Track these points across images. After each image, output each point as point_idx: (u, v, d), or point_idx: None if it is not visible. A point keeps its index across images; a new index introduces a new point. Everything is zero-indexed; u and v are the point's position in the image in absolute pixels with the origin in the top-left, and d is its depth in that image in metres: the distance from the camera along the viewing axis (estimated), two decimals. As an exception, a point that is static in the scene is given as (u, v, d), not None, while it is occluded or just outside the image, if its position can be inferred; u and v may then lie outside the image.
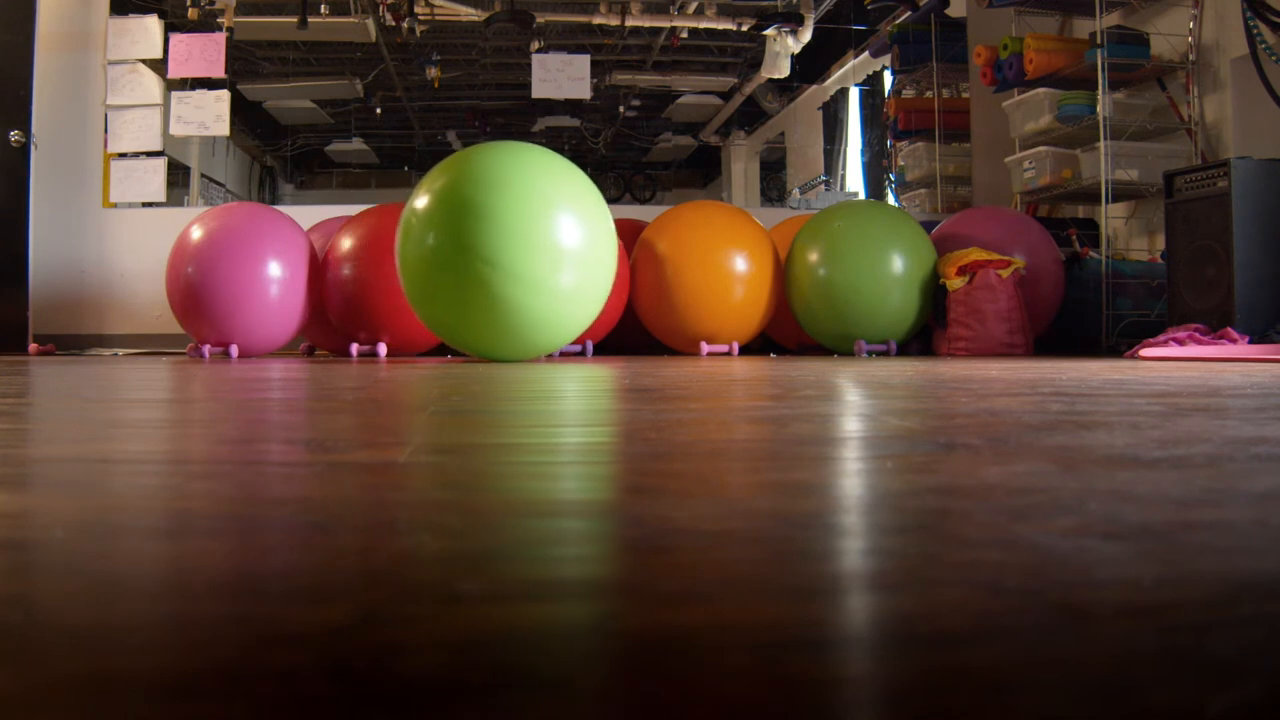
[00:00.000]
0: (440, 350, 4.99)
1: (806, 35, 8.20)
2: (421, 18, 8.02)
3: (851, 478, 0.82)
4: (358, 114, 11.51)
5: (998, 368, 2.91)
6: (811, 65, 9.35)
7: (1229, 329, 3.87)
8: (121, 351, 5.75)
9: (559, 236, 3.41)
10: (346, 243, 4.61)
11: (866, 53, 8.48)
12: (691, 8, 8.35)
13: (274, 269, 4.45)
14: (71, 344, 6.03)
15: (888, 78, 8.14)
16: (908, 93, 7.44)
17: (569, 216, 3.43)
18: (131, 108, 6.22)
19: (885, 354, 4.58)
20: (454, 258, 3.39)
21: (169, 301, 4.55)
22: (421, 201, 3.54)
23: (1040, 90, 5.37)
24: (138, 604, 0.44)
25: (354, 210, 4.97)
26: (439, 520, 0.63)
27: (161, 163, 6.26)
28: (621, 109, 11.28)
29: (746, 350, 5.07)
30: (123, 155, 6.22)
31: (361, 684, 0.33)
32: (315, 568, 0.51)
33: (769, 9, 8.35)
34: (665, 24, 8.58)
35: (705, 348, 4.79)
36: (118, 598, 0.45)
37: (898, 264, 4.50)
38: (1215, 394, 1.70)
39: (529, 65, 7.29)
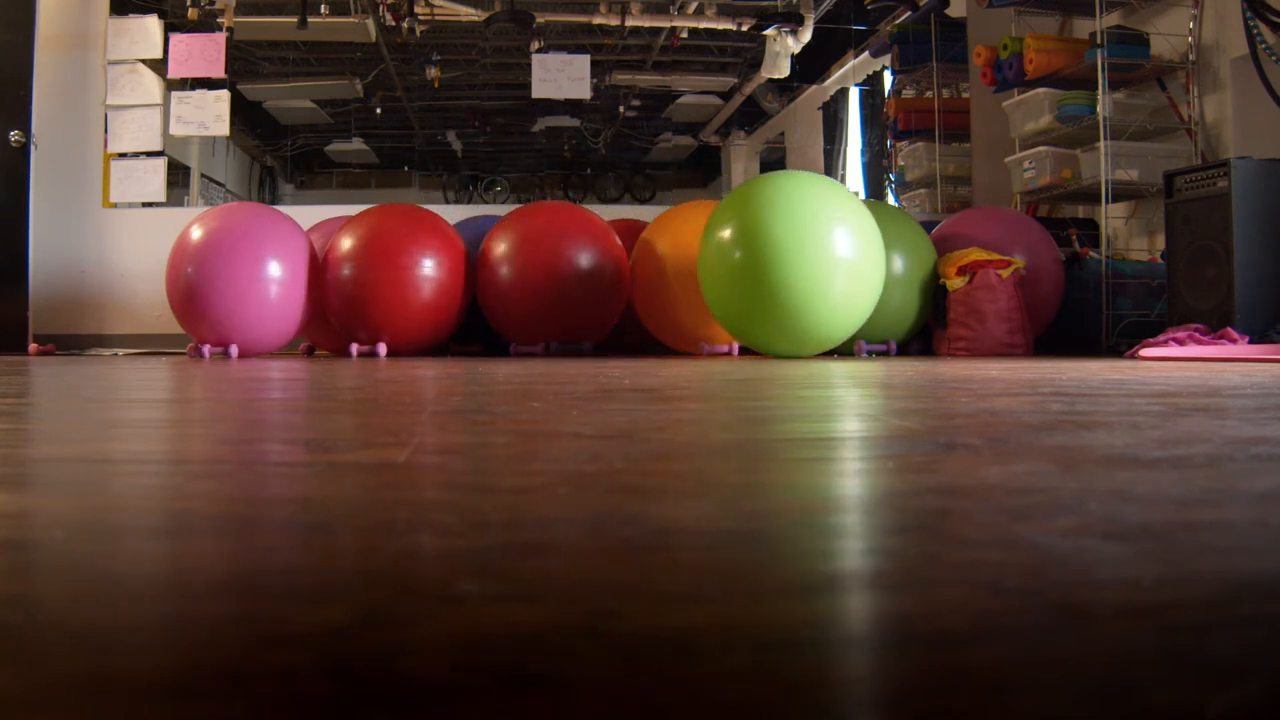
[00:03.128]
0: (441, 350, 5.00)
1: (806, 35, 8.20)
2: (421, 18, 8.02)
3: (851, 478, 0.82)
4: (358, 114, 11.51)
5: (998, 368, 2.91)
6: (811, 65, 9.34)
7: (1229, 329, 3.87)
8: (121, 351, 5.75)
9: (834, 250, 3.87)
10: (346, 243, 4.61)
11: (866, 53, 8.48)
12: (691, 8, 8.35)
13: (274, 269, 4.46)
14: (71, 344, 6.04)
15: (888, 78, 8.14)
16: (908, 93, 7.44)
17: (843, 232, 3.89)
18: (131, 108, 6.22)
19: (885, 354, 4.58)
20: (748, 271, 3.91)
21: (169, 301, 4.56)
22: (721, 223, 4.06)
23: (1040, 90, 5.37)
24: (138, 604, 0.44)
25: (354, 210, 4.97)
26: (439, 520, 0.63)
27: (161, 163, 6.27)
28: (621, 109, 11.28)
29: (746, 350, 5.07)
30: (123, 155, 6.22)
31: (361, 684, 0.33)
32: (315, 568, 0.51)
33: (769, 9, 8.35)
34: (665, 24, 8.58)
35: (705, 348, 4.79)
36: (118, 598, 0.45)
37: (898, 264, 4.50)
38: (1215, 394, 1.70)
39: (529, 65, 7.29)
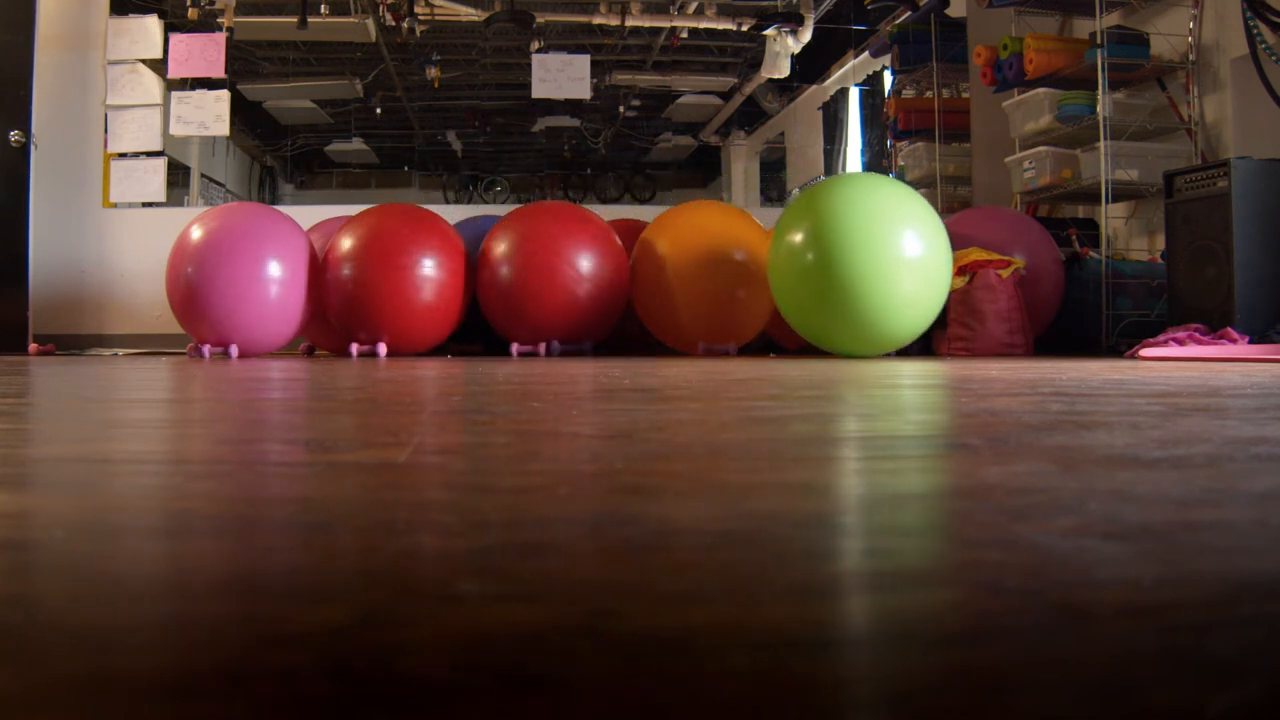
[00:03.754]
0: (440, 350, 5.00)
1: (806, 35, 8.20)
2: (421, 18, 8.02)
3: (851, 478, 0.82)
4: (358, 114, 11.51)
5: (998, 368, 2.91)
6: (811, 65, 9.34)
7: (1229, 329, 3.87)
8: (121, 351, 5.75)
9: (902, 251, 3.93)
10: (346, 243, 4.61)
11: (866, 53, 8.48)
12: (691, 8, 8.35)
13: (274, 269, 4.46)
14: (71, 344, 6.03)
15: (888, 78, 8.13)
16: (908, 93, 7.44)
17: (910, 234, 3.95)
18: (131, 108, 6.22)
19: (885, 354, 4.58)
20: (819, 272, 3.97)
21: (169, 301, 4.55)
22: (792, 226, 4.11)
23: (1040, 90, 5.37)
24: (138, 604, 0.44)
25: (354, 210, 4.97)
26: (439, 520, 0.63)
27: (161, 163, 6.26)
28: (621, 109, 11.28)
29: (746, 350, 5.07)
30: (123, 155, 6.22)
31: (361, 684, 0.33)
32: (315, 568, 0.51)
33: (769, 9, 8.35)
34: (665, 24, 8.58)
35: (704, 347, 4.79)
36: (118, 598, 0.45)
37: (898, 264, 4.50)
38: (1215, 394, 1.70)
39: (529, 65, 7.29)
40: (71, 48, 6.28)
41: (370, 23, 7.99)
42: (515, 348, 4.77)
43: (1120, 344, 4.49)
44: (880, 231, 3.92)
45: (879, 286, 3.89)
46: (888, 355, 4.51)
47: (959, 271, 4.46)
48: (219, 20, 6.97)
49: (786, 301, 4.23)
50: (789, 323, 4.32)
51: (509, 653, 0.36)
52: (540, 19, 8.07)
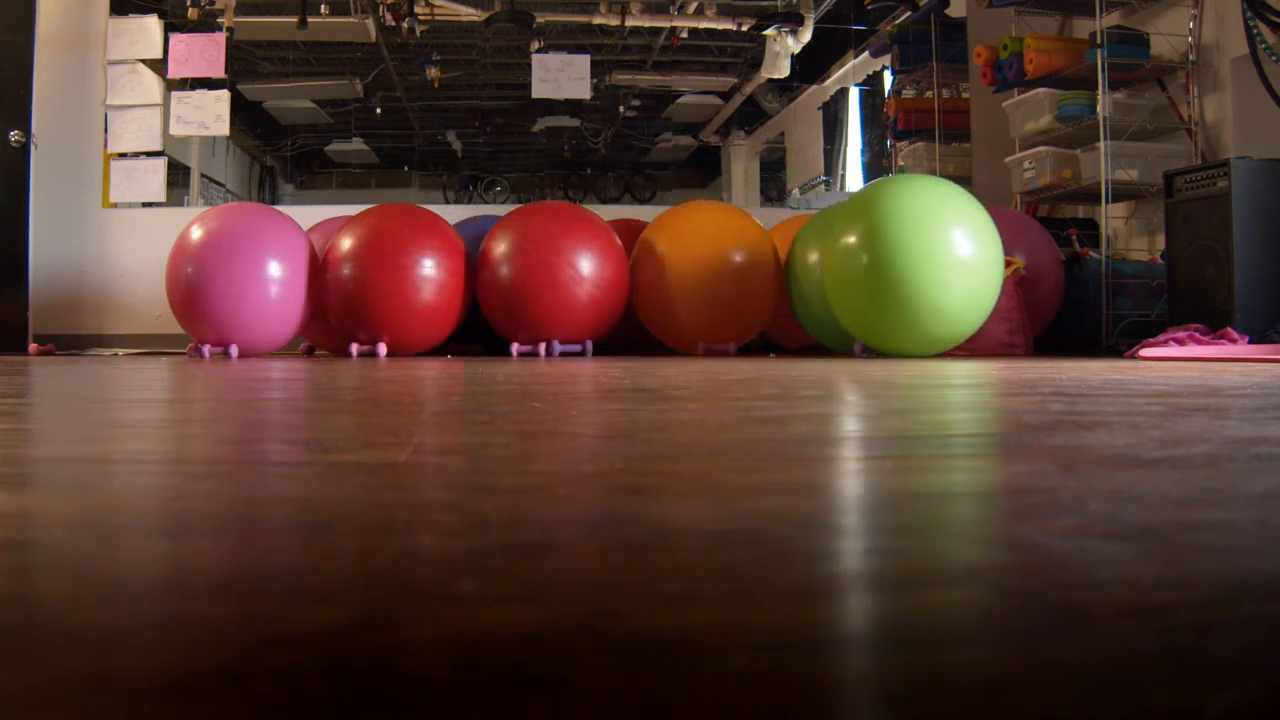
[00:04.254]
0: (440, 350, 5.00)
1: (806, 35, 8.20)
2: (421, 18, 8.02)
3: (851, 478, 0.82)
4: (358, 114, 11.51)
5: (998, 368, 2.91)
6: (811, 65, 9.34)
7: (1229, 329, 3.87)
8: (121, 351, 5.75)
9: (955, 252, 3.94)
10: (346, 243, 4.61)
11: (866, 53, 8.48)
12: (691, 8, 8.35)
13: (274, 269, 4.46)
14: (71, 344, 6.03)
15: (888, 78, 8.13)
16: (908, 93, 7.44)
17: (962, 234, 3.97)
18: (131, 108, 6.22)
19: (885, 354, 4.58)
20: (873, 273, 3.99)
21: (169, 301, 4.56)
22: (845, 228, 4.13)
23: (1040, 90, 5.37)
24: (138, 604, 0.44)
25: (354, 210, 4.97)
26: (439, 520, 0.63)
27: (161, 163, 6.26)
28: (621, 109, 11.28)
29: (746, 350, 5.07)
30: (123, 155, 6.22)
31: (361, 684, 0.33)
32: (315, 568, 0.51)
33: (769, 9, 8.35)
34: (665, 24, 8.58)
35: (704, 347, 4.79)
36: (118, 598, 0.45)
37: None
38: (1215, 394, 1.70)
39: (529, 65, 7.29)
40: (71, 48, 6.28)
41: (370, 23, 7.99)
42: (515, 348, 4.77)
43: (1120, 344, 4.49)
44: (936, 232, 3.94)
45: (935, 287, 3.91)
46: (885, 357, 4.51)
47: (959, 271, 4.46)
48: (219, 20, 6.97)
49: (839, 302, 4.22)
50: (841, 322, 4.30)
51: (509, 653, 0.36)
52: (540, 19, 8.07)
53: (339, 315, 4.66)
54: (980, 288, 4.00)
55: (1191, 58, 4.96)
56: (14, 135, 5.79)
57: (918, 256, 3.91)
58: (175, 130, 6.35)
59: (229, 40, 6.58)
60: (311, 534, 0.59)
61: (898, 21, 7.14)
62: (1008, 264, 4.48)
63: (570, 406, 1.56)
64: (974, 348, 4.40)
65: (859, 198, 4.24)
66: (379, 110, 11.07)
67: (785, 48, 8.29)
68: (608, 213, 5.42)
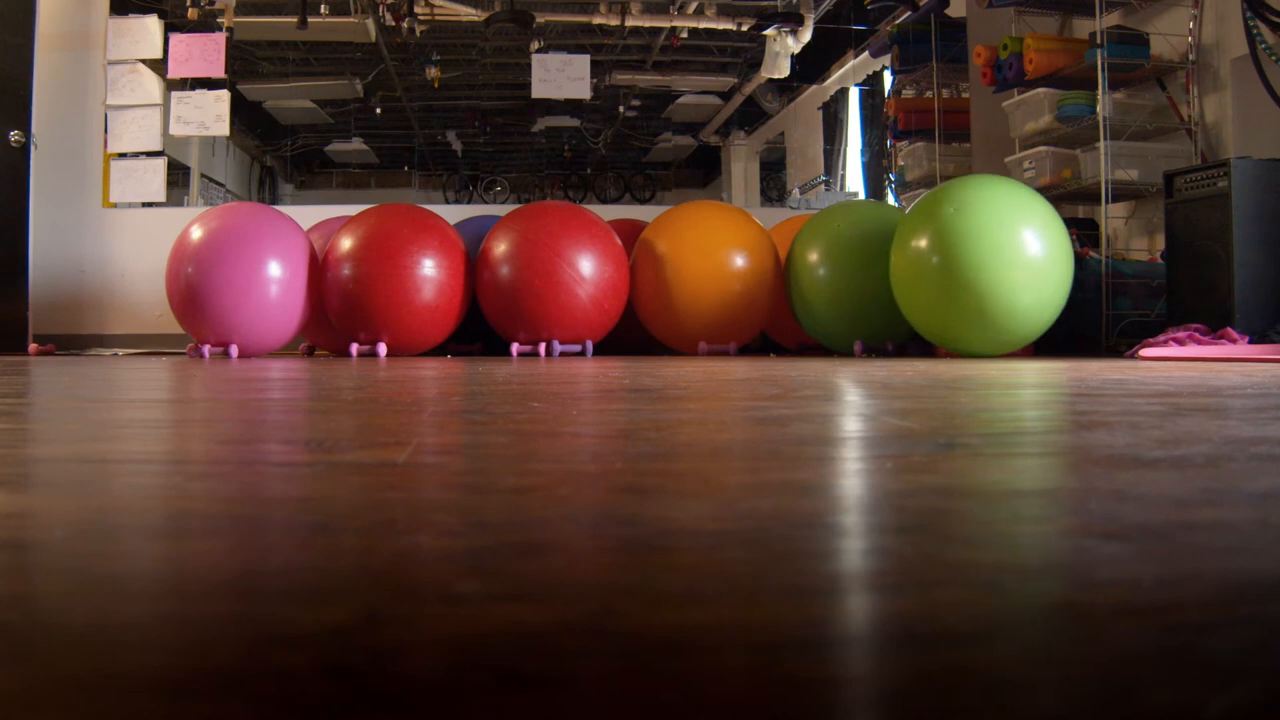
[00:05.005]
0: (440, 350, 5.00)
1: (806, 35, 8.20)
2: (421, 18, 8.02)
3: (851, 478, 0.82)
4: (358, 114, 11.52)
5: (998, 368, 2.91)
6: (811, 65, 9.34)
7: (1229, 329, 3.87)
8: (121, 351, 5.75)
9: (1026, 251, 3.95)
10: (346, 243, 4.61)
11: (866, 53, 8.48)
12: (691, 8, 8.35)
13: (274, 269, 4.46)
14: (71, 344, 6.03)
15: (888, 78, 8.13)
16: (908, 93, 7.44)
17: (1032, 234, 3.97)
18: (131, 108, 6.22)
19: (885, 354, 4.58)
20: (946, 274, 3.98)
21: (169, 301, 4.56)
22: (916, 230, 4.13)
23: (1040, 90, 5.37)
24: (138, 604, 0.44)
25: (354, 210, 4.97)
26: (439, 520, 0.63)
27: (161, 163, 6.26)
28: (621, 109, 11.28)
29: (746, 350, 5.07)
30: (123, 155, 6.22)
31: (361, 684, 0.33)
32: (315, 568, 0.51)
33: (769, 9, 8.35)
34: (665, 24, 8.58)
35: (705, 347, 4.79)
36: (118, 598, 0.45)
37: (898, 264, 4.50)
38: (1215, 394, 1.70)
39: (529, 65, 7.29)
40: (71, 48, 6.28)
41: (370, 23, 7.99)
42: (515, 348, 4.77)
43: (1120, 344, 4.49)
44: (1005, 234, 3.95)
45: (1005, 288, 3.91)
46: (887, 355, 4.51)
47: (959, 271, 4.46)
48: (219, 20, 6.96)
49: (910, 303, 4.22)
50: (912, 323, 4.31)
51: (509, 653, 0.36)
52: (540, 19, 8.07)
53: (339, 315, 4.66)
54: (1050, 287, 3.99)
55: (1191, 58, 4.96)
56: (14, 135, 5.79)
57: (989, 258, 3.92)
58: (175, 130, 6.35)
59: (229, 40, 6.58)
60: (311, 534, 0.59)
61: (898, 21, 7.14)
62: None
63: (570, 406, 1.56)
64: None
65: (927, 201, 4.24)
66: (379, 110, 11.07)
67: (785, 48, 8.29)
68: (608, 213, 5.42)
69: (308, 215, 5.41)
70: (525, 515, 0.64)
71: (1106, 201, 4.87)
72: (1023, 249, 3.94)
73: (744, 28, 8.51)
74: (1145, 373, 2.52)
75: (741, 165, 12.15)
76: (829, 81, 9.72)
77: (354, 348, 4.69)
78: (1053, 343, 4.97)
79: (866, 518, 0.64)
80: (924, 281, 4.10)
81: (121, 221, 6.34)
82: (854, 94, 9.38)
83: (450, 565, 0.51)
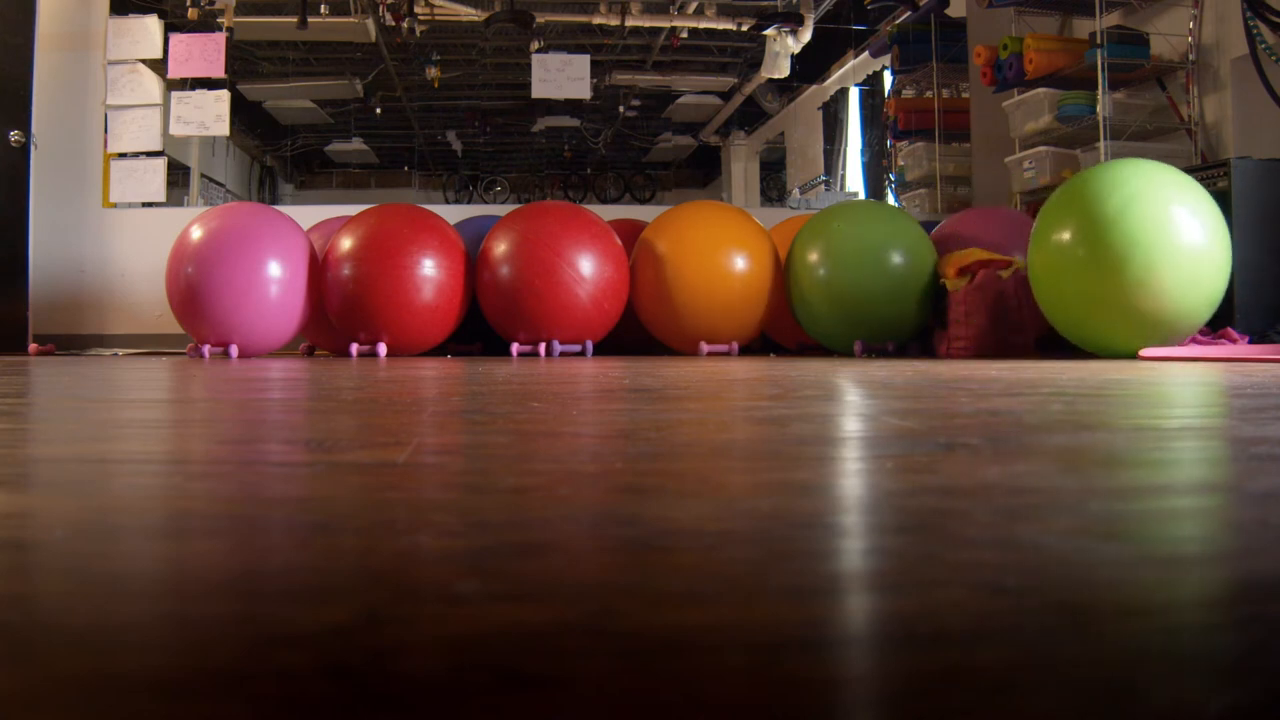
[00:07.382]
0: (440, 350, 5.00)
1: (806, 35, 8.20)
2: (421, 18, 8.02)
3: (851, 478, 0.82)
4: (358, 114, 11.52)
5: (998, 368, 2.91)
6: (811, 65, 9.35)
7: (1229, 329, 3.87)
8: (121, 351, 5.75)
9: (1180, 238, 3.65)
10: (346, 243, 4.61)
11: (866, 53, 8.48)
12: (691, 8, 8.35)
13: (274, 269, 4.46)
14: (71, 344, 6.03)
15: (888, 78, 8.14)
16: (908, 93, 7.45)
17: (1184, 213, 3.67)
18: (131, 108, 6.22)
19: (885, 354, 4.58)
20: (1092, 266, 3.74)
21: (169, 301, 4.56)
22: (1056, 222, 3.88)
23: (1040, 90, 5.37)
24: (138, 604, 0.44)
25: (354, 210, 4.97)
26: (438, 520, 0.63)
27: (161, 163, 6.27)
28: (621, 109, 11.29)
29: (746, 350, 5.07)
30: (123, 155, 6.22)
31: (361, 684, 0.33)
32: (315, 568, 0.51)
33: (769, 9, 8.35)
34: (665, 24, 8.58)
35: (705, 348, 4.79)
36: (118, 598, 0.45)
37: (898, 264, 4.50)
38: (1215, 394, 1.70)
39: (529, 65, 7.30)
40: (71, 48, 6.28)
41: (370, 23, 7.99)
42: (515, 348, 4.77)
43: (1120, 344, 4.48)
44: (1157, 219, 3.65)
45: (1160, 276, 3.63)
46: (887, 356, 4.51)
47: (959, 272, 4.46)
48: (219, 20, 6.97)
49: (1051, 299, 3.99)
50: (1050, 320, 4.06)
51: (509, 653, 0.36)
52: (540, 19, 8.07)
53: (339, 315, 4.66)
54: (1210, 274, 3.69)
55: (1191, 58, 4.96)
56: (14, 135, 5.79)
57: (1142, 246, 3.62)
58: (175, 130, 6.35)
59: (229, 40, 6.58)
60: (311, 534, 0.59)
61: (898, 21, 7.15)
62: (1008, 264, 4.48)
63: (570, 406, 1.56)
64: (974, 347, 4.40)
65: (1064, 192, 3.95)
66: (379, 110, 11.07)
67: (785, 48, 8.29)
68: (608, 213, 5.42)
69: (308, 215, 5.41)
70: (525, 515, 0.64)
71: (1106, 201, 4.86)
72: (1177, 234, 3.63)
73: (744, 28, 8.51)
74: (1145, 373, 2.52)
75: (741, 165, 12.15)
76: (829, 81, 9.72)
77: (354, 348, 4.69)
78: (1054, 342, 4.97)
79: (867, 518, 0.64)
80: (1071, 276, 3.80)
81: (121, 221, 6.34)
82: (854, 94, 9.38)
83: (450, 565, 0.51)
